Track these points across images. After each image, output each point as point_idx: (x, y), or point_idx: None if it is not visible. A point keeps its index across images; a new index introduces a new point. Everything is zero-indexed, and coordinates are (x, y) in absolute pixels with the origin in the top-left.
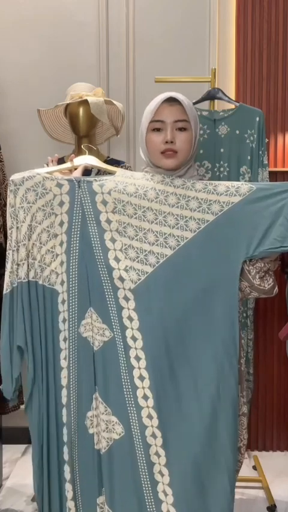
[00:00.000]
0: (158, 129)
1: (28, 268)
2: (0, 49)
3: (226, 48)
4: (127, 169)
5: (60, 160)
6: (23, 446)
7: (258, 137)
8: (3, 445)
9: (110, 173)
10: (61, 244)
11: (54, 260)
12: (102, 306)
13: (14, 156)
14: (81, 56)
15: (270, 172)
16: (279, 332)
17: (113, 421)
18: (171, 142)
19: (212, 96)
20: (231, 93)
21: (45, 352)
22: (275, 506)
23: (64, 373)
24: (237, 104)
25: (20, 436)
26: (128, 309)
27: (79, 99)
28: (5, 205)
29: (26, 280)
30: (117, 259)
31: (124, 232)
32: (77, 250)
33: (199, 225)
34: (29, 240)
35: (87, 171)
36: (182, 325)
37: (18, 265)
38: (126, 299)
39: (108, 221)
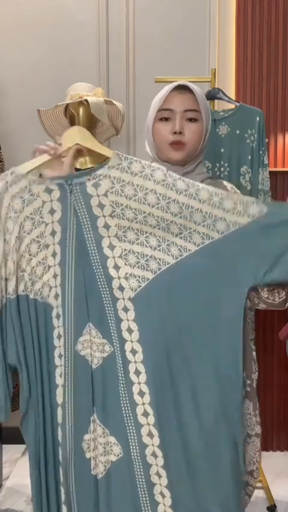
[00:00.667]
0: (166, 119)
1: (17, 282)
2: (0, 49)
3: (226, 48)
4: None
5: None
6: (23, 446)
7: (258, 137)
8: (3, 445)
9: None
10: (54, 255)
11: (46, 272)
12: (102, 320)
13: (14, 156)
14: (81, 56)
15: (270, 172)
16: (279, 332)
17: (110, 442)
18: (180, 133)
19: (212, 96)
20: (231, 93)
21: (40, 369)
22: (275, 506)
23: (59, 391)
24: (238, 104)
25: (20, 436)
26: (128, 320)
27: (79, 99)
28: None
29: (15, 296)
30: (116, 267)
31: (124, 237)
32: (72, 262)
33: (203, 240)
34: (17, 252)
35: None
36: (184, 334)
37: (6, 280)
38: (126, 310)
39: (107, 226)
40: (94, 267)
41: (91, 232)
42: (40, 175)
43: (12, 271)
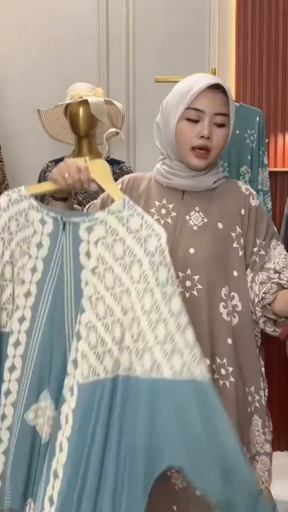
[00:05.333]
0: (194, 120)
1: None
2: (0, 49)
3: (226, 48)
4: (127, 169)
5: (60, 160)
6: None
7: (258, 137)
8: None
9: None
10: (27, 295)
11: (13, 314)
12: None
13: (14, 156)
14: (81, 56)
15: (270, 172)
16: (279, 332)
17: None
18: (208, 138)
19: None
20: (231, 93)
21: None
22: (275, 506)
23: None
24: (237, 104)
25: None
26: (69, 405)
27: (79, 99)
28: None
29: None
30: (79, 337)
31: (95, 307)
32: (45, 313)
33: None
34: (0, 278)
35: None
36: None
37: None
38: (71, 392)
39: (87, 283)
40: (66, 328)
41: (71, 285)
42: (44, 199)
43: None
